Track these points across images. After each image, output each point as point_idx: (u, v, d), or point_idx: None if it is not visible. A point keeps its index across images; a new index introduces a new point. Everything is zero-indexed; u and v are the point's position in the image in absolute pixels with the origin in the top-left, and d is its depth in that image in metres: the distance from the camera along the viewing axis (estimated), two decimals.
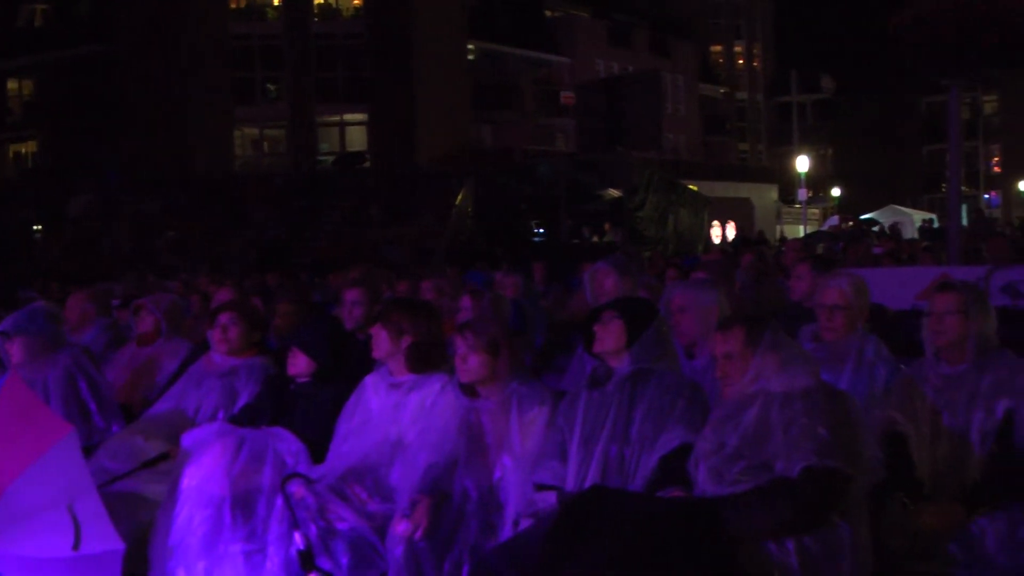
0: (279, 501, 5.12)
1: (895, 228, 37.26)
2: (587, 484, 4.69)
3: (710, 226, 37.45)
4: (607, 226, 28.49)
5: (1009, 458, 4.70)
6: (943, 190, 56.56)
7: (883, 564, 4.43)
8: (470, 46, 47.23)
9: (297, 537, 4.89)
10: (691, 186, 34.68)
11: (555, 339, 8.64)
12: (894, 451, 4.90)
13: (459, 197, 27.74)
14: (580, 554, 4.01)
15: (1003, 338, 5.34)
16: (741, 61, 67.88)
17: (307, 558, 4.86)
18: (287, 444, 5.42)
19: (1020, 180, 65.97)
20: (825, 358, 5.35)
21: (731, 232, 48.27)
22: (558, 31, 53.75)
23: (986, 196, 65.48)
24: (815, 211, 62.25)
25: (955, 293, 5.06)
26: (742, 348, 4.44)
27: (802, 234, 41.89)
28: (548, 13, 54.73)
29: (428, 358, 5.59)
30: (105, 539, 4.12)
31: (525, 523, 4.73)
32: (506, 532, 4.88)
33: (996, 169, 69.34)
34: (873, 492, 4.47)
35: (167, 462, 5.61)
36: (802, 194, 52.12)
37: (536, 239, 28.33)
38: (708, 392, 4.91)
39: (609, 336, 4.93)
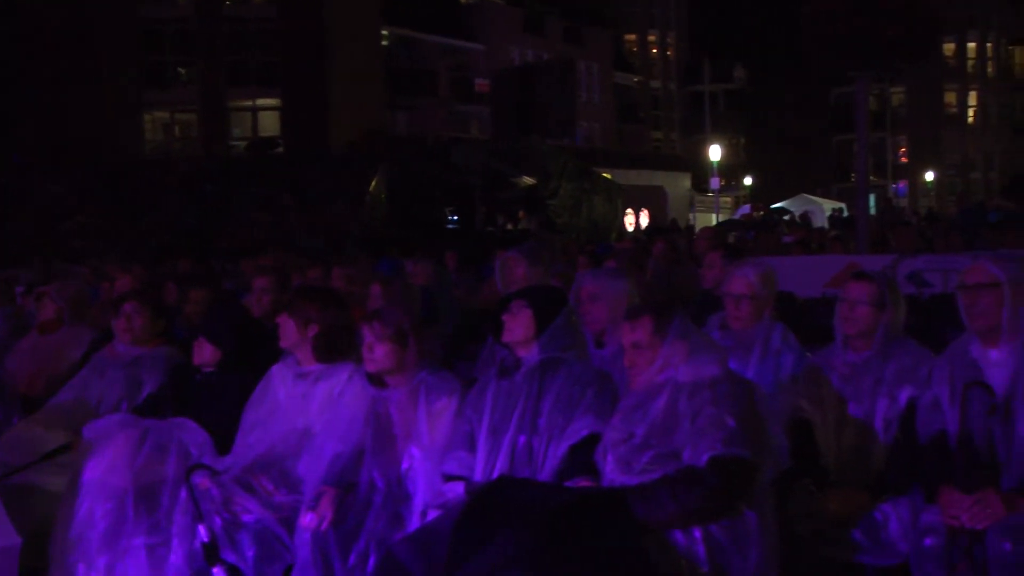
0: (183, 493, 5.02)
1: (805, 217, 37.85)
2: (495, 474, 4.68)
3: (623, 214, 37.64)
4: (521, 214, 28.54)
5: (911, 445, 4.77)
6: (852, 180, 57.35)
7: (789, 550, 4.48)
8: (384, 32, 46.94)
9: (201, 530, 4.78)
10: (605, 174, 34.80)
11: (467, 327, 8.60)
12: (800, 439, 4.96)
13: (373, 184, 27.56)
14: (487, 545, 3.99)
15: (908, 326, 5.42)
16: (655, 50, 68.28)
17: (211, 551, 4.77)
18: (192, 435, 5.31)
19: (926, 170, 67.25)
20: (733, 346, 5.40)
21: (644, 220, 48.56)
22: (473, 18, 53.61)
23: (894, 186, 66.61)
24: (727, 200, 62.88)
25: (870, 283, 5.13)
26: (650, 337, 4.44)
27: (714, 222, 42.26)
28: (463, 0, 54.62)
29: (335, 347, 5.53)
30: (1, 534, 4.02)
31: (433, 514, 4.69)
32: (414, 523, 4.85)
33: (903, 160, 70.52)
34: (779, 479, 4.50)
35: (68, 454, 5.51)
36: (715, 183, 52.63)
37: (450, 226, 28.29)
38: (618, 381, 4.91)
39: (518, 325, 4.91)
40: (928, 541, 4.34)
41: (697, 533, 4.14)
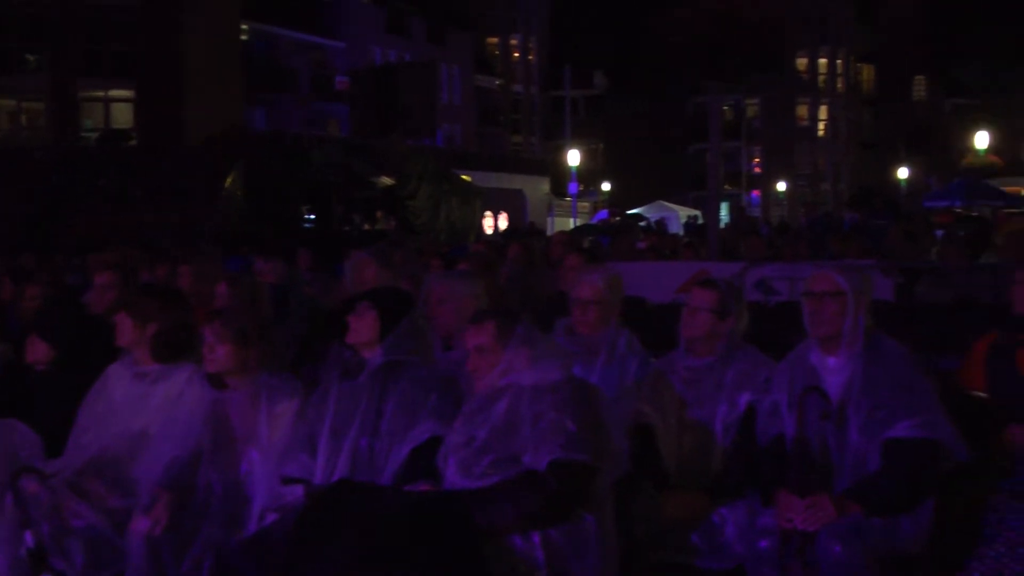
0: (9, 498, 4.85)
1: (661, 223, 38.29)
2: (335, 477, 4.63)
3: (482, 216, 37.71)
4: (379, 214, 28.43)
5: (749, 449, 4.87)
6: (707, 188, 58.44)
7: (628, 554, 4.52)
8: (243, 26, 46.29)
9: (28, 536, 4.63)
10: (464, 176, 34.86)
11: (319, 327, 8.52)
12: (642, 443, 5.02)
13: (228, 180, 27.15)
14: (325, 549, 3.95)
15: (756, 334, 5.53)
16: (517, 54, 68.54)
17: (38, 558, 4.61)
18: (20, 436, 5.15)
19: (779, 180, 68.83)
20: (579, 351, 5.42)
21: (504, 223, 48.77)
22: (334, 15, 53.13)
23: (747, 195, 67.94)
24: (585, 204, 63.42)
25: (713, 290, 5.20)
26: (493, 341, 4.44)
27: (573, 226, 42.62)
28: None
29: (175, 347, 5.41)
30: None
31: (271, 517, 4.65)
32: (252, 526, 4.79)
33: (757, 170, 72.03)
34: (620, 483, 4.54)
35: None
36: (573, 188, 53.10)
37: (306, 225, 28.05)
38: (464, 385, 4.89)
39: (362, 327, 4.86)
40: (763, 543, 4.45)
41: (536, 538, 4.15)
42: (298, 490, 4.68)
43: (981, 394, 5.53)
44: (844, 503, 4.38)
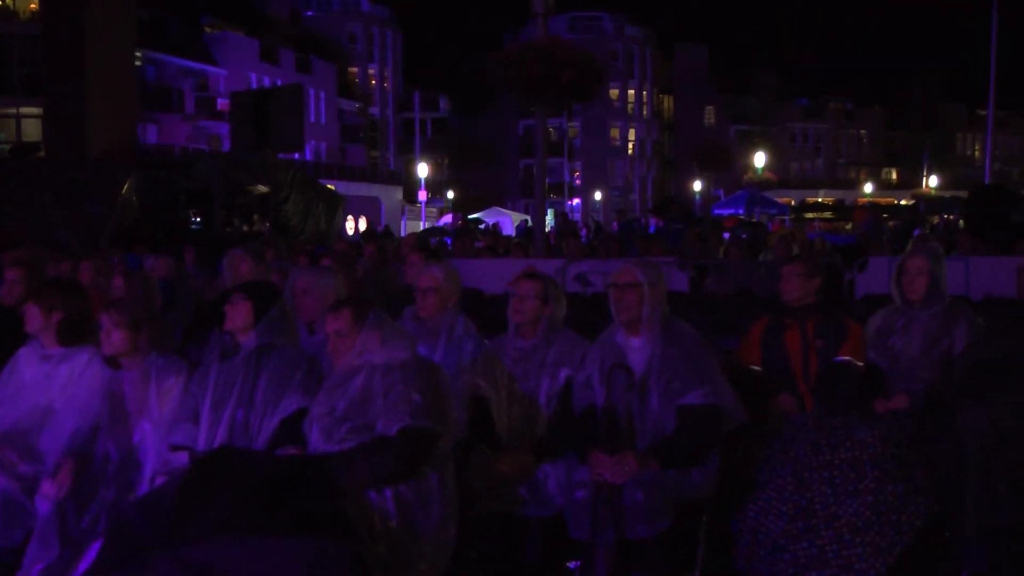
0: None
1: (496, 226, 38.43)
2: (216, 444, 4.54)
3: (344, 220, 37.28)
4: (255, 217, 27.88)
5: (568, 416, 4.92)
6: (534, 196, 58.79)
7: (467, 505, 4.53)
8: (138, 53, 45.01)
9: None
10: (329, 186, 34.46)
11: (202, 315, 8.33)
12: (477, 412, 5.02)
13: (125, 187, 26.32)
14: (207, 506, 3.87)
15: (575, 319, 5.58)
16: (374, 81, 68.06)
17: None
18: None
19: (595, 191, 69.74)
20: (423, 334, 5.41)
21: (363, 225, 48.32)
22: (216, 46, 52.33)
23: (569, 203, 68.65)
24: (433, 210, 63.30)
25: (536, 281, 5.23)
26: (350, 326, 4.41)
27: (421, 229, 42.49)
28: (208, 29, 53.06)
29: (77, 332, 5.25)
30: None
31: (160, 480, 4.52)
32: (143, 488, 4.67)
33: (578, 182, 72.86)
34: (459, 446, 4.55)
35: None
36: (422, 195, 52.93)
37: (193, 227, 27.36)
38: (325, 364, 4.85)
39: (238, 315, 4.78)
40: (579, 494, 4.49)
41: (388, 492, 4.13)
42: (184, 456, 4.58)
43: (756, 368, 5.69)
44: (646, 459, 4.47)
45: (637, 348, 4.83)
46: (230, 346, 4.84)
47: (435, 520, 4.22)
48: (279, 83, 48.91)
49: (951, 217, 35.86)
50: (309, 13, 66.32)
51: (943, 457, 4.83)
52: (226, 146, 44.35)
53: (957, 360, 5.44)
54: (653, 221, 32.34)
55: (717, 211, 41.00)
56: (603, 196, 69.93)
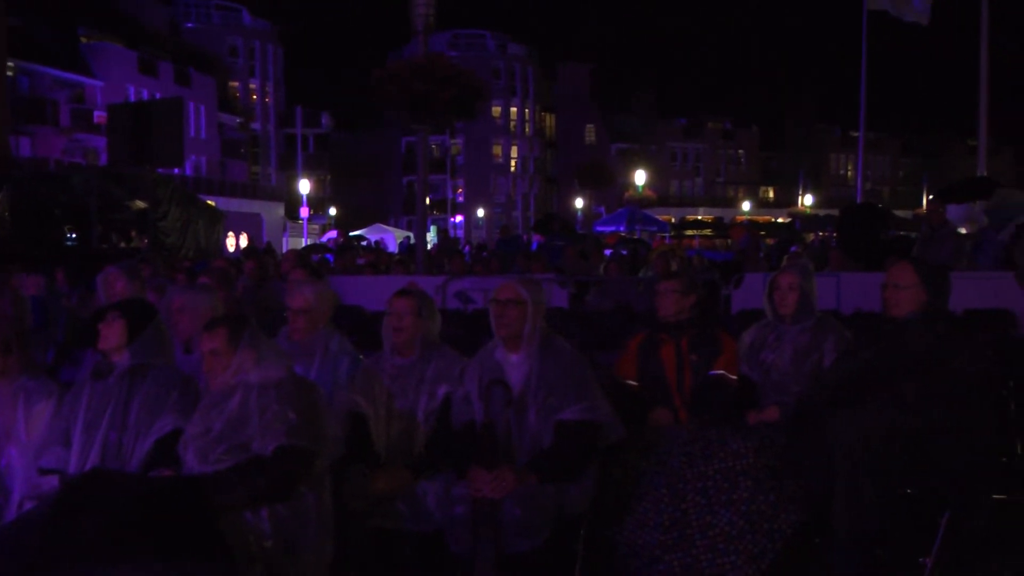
0: None
1: (379, 243, 38.27)
2: (88, 467, 4.43)
3: (225, 236, 36.70)
4: (133, 233, 27.25)
5: (447, 432, 4.93)
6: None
7: (345, 523, 4.50)
8: (10, 63, 43.63)
9: None
10: (209, 201, 33.87)
11: (74, 335, 8.12)
12: (356, 429, 4.99)
13: None
14: (78, 531, 3.77)
15: (457, 336, 5.59)
16: (255, 96, 67.26)
17: None
18: None
19: (478, 208, 69.99)
20: (298, 353, 5.37)
21: (244, 242, 47.61)
22: (92, 56, 50.99)
23: (452, 220, 68.76)
24: (315, 227, 62.78)
25: (411, 297, 5.22)
26: (225, 345, 4.35)
27: (304, 245, 42.05)
28: (84, 39, 51.69)
29: None
30: None
31: (29, 505, 4.39)
32: (11, 514, 4.53)
33: (461, 199, 73.04)
34: (336, 464, 4.52)
35: None
36: (304, 212, 52.43)
37: (69, 243, 26.61)
38: (202, 383, 4.77)
39: (111, 334, 4.68)
40: (458, 509, 4.49)
41: (264, 512, 4.09)
42: (54, 480, 4.44)
43: (633, 383, 5.78)
44: (524, 474, 4.49)
45: (516, 364, 4.86)
46: (103, 366, 4.73)
47: (312, 539, 4.18)
48: (158, 96, 48.01)
49: (825, 234, 37.03)
50: (189, 25, 65.31)
51: (812, 466, 4.98)
52: (103, 160, 43.21)
53: (826, 373, 5.60)
54: (535, 238, 32.54)
55: (599, 228, 41.45)
56: (486, 213, 70.25)
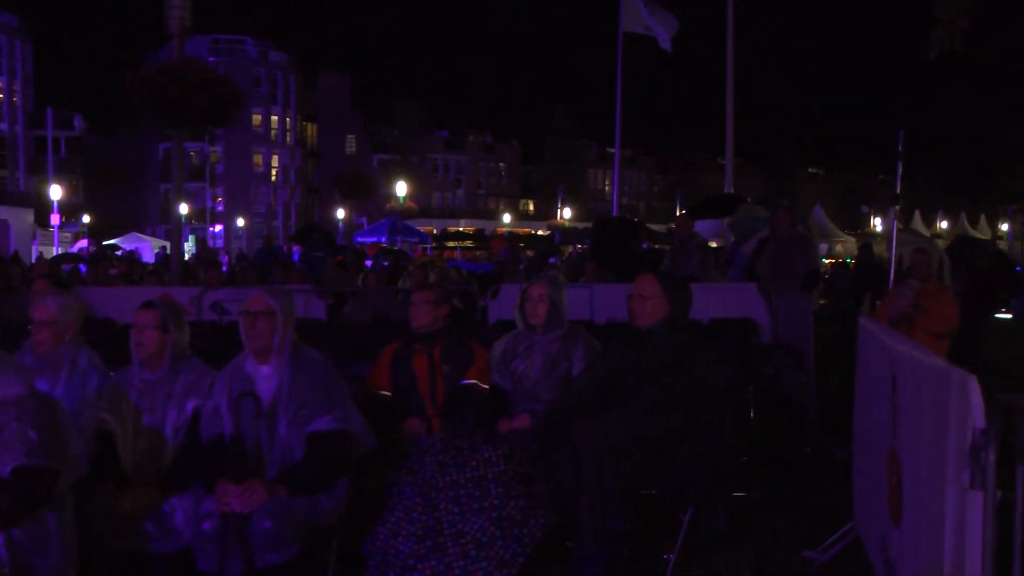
0: None
1: (135, 253, 36.83)
2: None
3: None
4: None
5: (195, 446, 4.80)
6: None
7: (89, 546, 4.32)
8: None
9: None
10: None
11: None
12: (102, 447, 4.80)
13: None
14: None
15: (212, 348, 5.44)
16: (2, 95, 63.34)
17: None
18: None
19: (238, 217, 68.41)
20: (45, 368, 5.12)
21: None
22: None
23: (212, 229, 66.91)
24: (67, 235, 59.65)
25: (155, 310, 5.06)
26: None
27: (55, 255, 39.92)
28: None
29: None
30: None
31: None
32: None
33: (220, 208, 71.20)
34: (80, 484, 4.32)
35: None
36: (55, 219, 49.76)
37: None
38: None
39: None
40: (206, 525, 4.40)
41: (0, 538, 3.86)
42: None
43: (386, 392, 5.81)
44: (274, 487, 4.44)
45: (266, 376, 4.80)
46: None
47: (54, 564, 3.99)
48: None
49: (583, 247, 38.16)
50: None
51: (561, 470, 5.15)
52: None
53: (575, 380, 5.80)
54: (295, 248, 32.06)
55: (360, 239, 41.33)
56: (246, 222, 68.75)
